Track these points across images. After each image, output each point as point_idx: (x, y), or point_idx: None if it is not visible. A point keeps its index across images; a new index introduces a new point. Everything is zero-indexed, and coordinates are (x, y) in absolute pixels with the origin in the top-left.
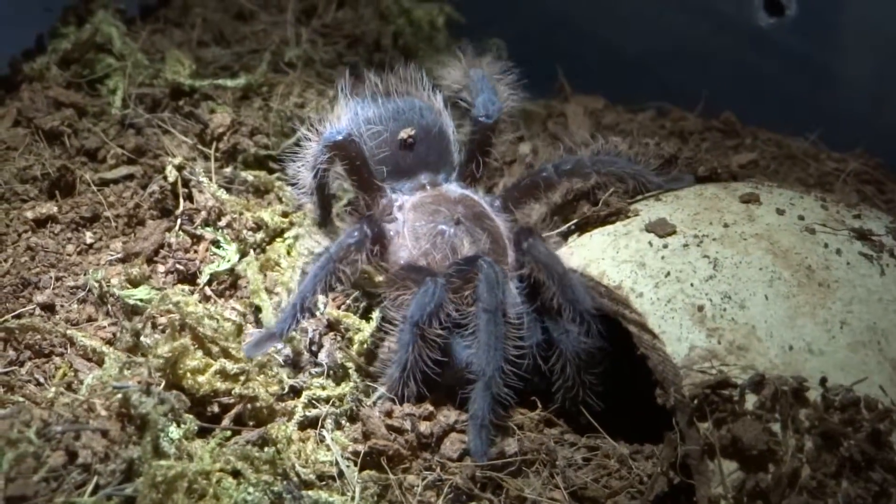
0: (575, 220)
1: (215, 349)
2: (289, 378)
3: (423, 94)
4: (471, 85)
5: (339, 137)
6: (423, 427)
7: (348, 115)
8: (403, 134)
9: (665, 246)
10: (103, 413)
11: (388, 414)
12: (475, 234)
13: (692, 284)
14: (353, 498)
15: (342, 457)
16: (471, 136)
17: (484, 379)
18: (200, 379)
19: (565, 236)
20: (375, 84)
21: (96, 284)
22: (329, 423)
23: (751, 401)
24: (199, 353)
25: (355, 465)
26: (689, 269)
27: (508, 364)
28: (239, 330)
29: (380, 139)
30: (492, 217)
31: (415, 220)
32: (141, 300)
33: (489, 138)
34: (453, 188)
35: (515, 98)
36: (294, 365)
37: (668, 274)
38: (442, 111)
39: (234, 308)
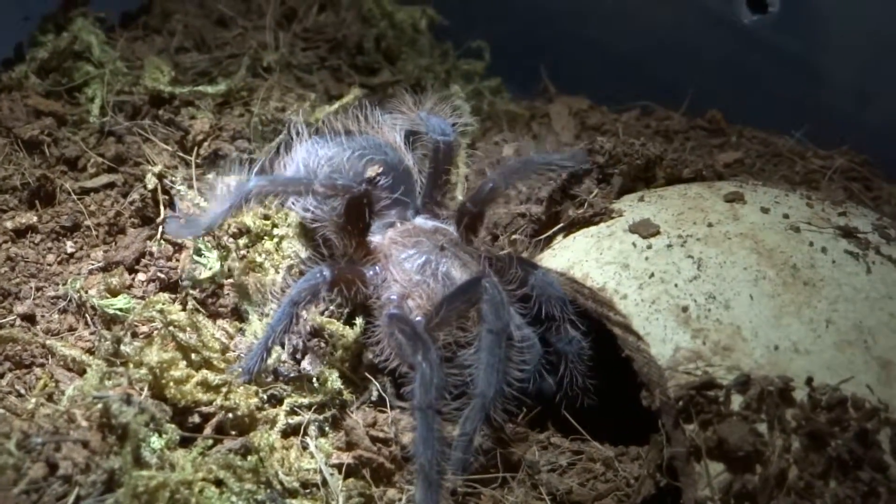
0: (559, 225)
1: (197, 358)
2: (272, 384)
3: (383, 132)
4: (419, 122)
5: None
6: (406, 438)
7: (307, 156)
8: (371, 171)
9: (649, 247)
10: (84, 423)
11: (372, 424)
12: (462, 258)
13: (676, 285)
14: None
15: (326, 464)
16: (431, 162)
17: (483, 400)
18: (183, 389)
19: (549, 239)
20: (332, 123)
21: (76, 295)
22: (312, 429)
23: (736, 401)
24: (183, 364)
25: (340, 472)
26: (673, 270)
27: (509, 386)
28: (223, 347)
29: None
30: (465, 245)
31: (399, 255)
32: (120, 310)
33: (449, 158)
34: (422, 221)
35: (465, 122)
36: (276, 372)
37: (653, 275)
38: (402, 147)
39: (216, 317)
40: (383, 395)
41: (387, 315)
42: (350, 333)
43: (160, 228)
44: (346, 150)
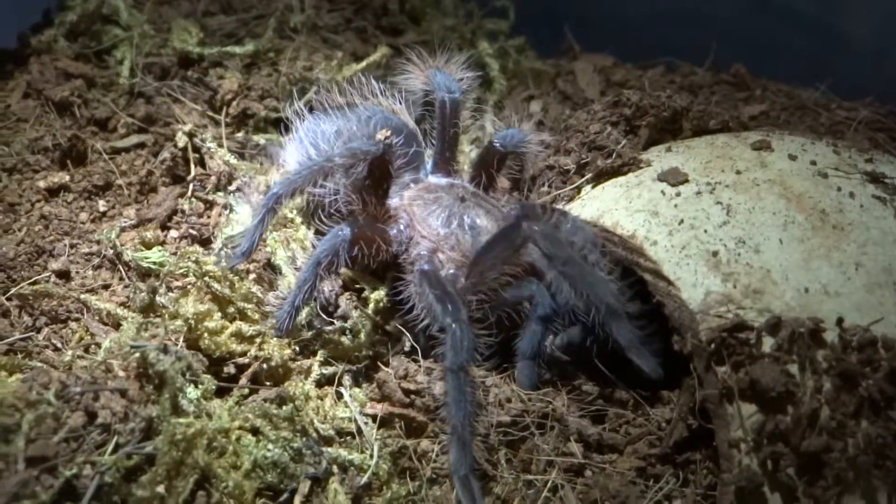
0: (588, 175)
1: (231, 310)
2: (305, 338)
3: (382, 101)
4: (429, 80)
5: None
6: (438, 388)
7: (311, 134)
8: (380, 135)
9: (678, 194)
10: (121, 374)
11: (405, 376)
12: (484, 206)
13: (706, 231)
14: (371, 456)
15: (360, 413)
16: (439, 120)
17: (608, 308)
18: (218, 340)
19: (578, 189)
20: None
21: (109, 244)
22: (346, 380)
23: (768, 343)
24: (218, 315)
25: (374, 421)
26: (702, 216)
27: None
28: (258, 299)
29: None
30: (483, 194)
31: (422, 213)
32: (154, 262)
33: (456, 115)
34: (437, 179)
35: (471, 79)
36: (310, 325)
37: (682, 221)
38: (403, 111)
39: (249, 271)
40: (416, 346)
41: (418, 271)
42: (382, 286)
43: (191, 187)
44: (351, 119)
